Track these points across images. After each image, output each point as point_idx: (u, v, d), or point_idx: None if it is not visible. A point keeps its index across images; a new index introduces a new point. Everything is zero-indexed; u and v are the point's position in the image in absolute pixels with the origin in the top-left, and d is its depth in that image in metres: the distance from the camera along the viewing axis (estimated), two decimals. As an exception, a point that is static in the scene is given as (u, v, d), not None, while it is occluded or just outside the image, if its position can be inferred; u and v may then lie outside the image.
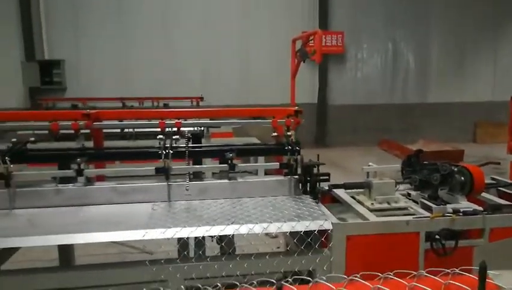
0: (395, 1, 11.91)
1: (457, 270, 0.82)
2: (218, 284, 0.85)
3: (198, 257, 1.84)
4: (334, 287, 0.81)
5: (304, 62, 6.17)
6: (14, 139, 2.11)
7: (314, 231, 1.87)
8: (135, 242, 3.96)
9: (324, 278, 0.86)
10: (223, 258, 1.82)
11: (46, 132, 2.56)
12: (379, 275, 0.84)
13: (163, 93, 9.46)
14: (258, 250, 1.92)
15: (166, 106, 8.92)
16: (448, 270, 0.82)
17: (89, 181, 2.14)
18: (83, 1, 11.19)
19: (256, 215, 1.94)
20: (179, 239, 2.31)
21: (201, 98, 9.26)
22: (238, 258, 1.81)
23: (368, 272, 0.86)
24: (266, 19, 11.71)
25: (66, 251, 2.66)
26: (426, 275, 0.82)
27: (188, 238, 2.16)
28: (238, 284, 0.88)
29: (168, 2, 11.42)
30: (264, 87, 11.65)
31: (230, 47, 11.74)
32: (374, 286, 0.81)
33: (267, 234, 4.32)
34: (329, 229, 1.89)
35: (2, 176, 1.94)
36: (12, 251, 2.00)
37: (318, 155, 2.31)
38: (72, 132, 2.27)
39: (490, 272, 0.85)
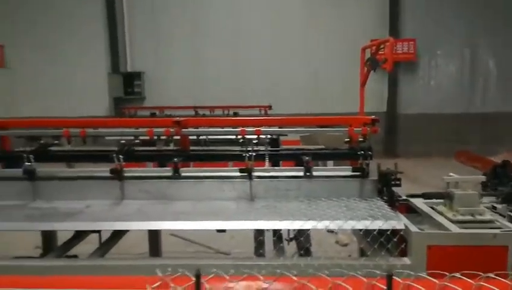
0: (472, 5, 11.33)
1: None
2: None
3: (274, 257, 2.01)
4: (401, 281, 0.90)
5: (374, 71, 6.18)
6: (123, 141, 2.49)
7: (388, 231, 1.97)
8: (212, 243, 4.25)
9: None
10: (298, 258, 1.99)
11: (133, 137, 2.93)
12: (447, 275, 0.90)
13: (232, 102, 9.93)
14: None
15: (236, 114, 9.35)
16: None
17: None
18: (162, 19, 12.13)
19: (332, 214, 2.10)
20: (256, 239, 2.54)
21: (270, 107, 9.56)
22: (314, 262, 1.93)
23: (437, 272, 0.93)
24: (334, 27, 11.77)
25: (154, 242, 3.01)
26: (495, 278, 0.87)
27: (264, 238, 2.40)
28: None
29: (238, 15, 11.96)
30: (331, 96, 11.69)
31: (298, 56, 11.95)
32: (440, 283, 0.88)
33: (337, 242, 4.42)
34: (401, 230, 1.98)
35: (115, 171, 2.31)
36: (121, 234, 2.36)
37: (396, 164, 2.38)
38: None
39: None
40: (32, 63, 12.35)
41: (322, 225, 1.99)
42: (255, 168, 2.40)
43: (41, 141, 2.50)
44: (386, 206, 2.23)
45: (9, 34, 12.30)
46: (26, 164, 2.29)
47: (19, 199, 2.32)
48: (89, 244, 2.36)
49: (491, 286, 0.87)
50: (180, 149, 2.58)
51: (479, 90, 11.54)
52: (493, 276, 0.91)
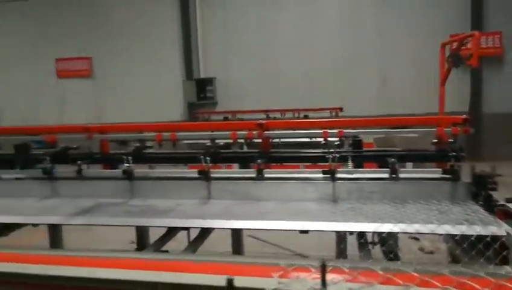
0: None
1: None
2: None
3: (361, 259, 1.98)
4: None
5: (457, 67, 5.81)
6: (209, 144, 2.61)
7: (487, 237, 1.85)
8: (289, 244, 4.28)
9: None
10: (385, 261, 1.94)
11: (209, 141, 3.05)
12: None
13: (302, 105, 9.92)
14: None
15: (306, 116, 9.33)
16: None
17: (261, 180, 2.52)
18: (233, 26, 12.51)
19: (422, 217, 2.01)
20: (339, 242, 2.52)
21: (341, 109, 9.40)
22: (406, 268, 1.91)
23: None
24: (408, 24, 11.27)
25: (237, 241, 3.10)
26: None
27: (346, 242, 2.37)
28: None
29: (309, 18, 11.93)
30: (404, 97, 11.20)
31: (369, 55, 11.63)
32: None
33: (421, 249, 4.20)
34: (502, 237, 1.85)
35: (203, 172, 2.43)
36: (208, 232, 2.47)
37: (494, 166, 2.23)
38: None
39: None
40: (116, 73, 13.40)
41: (412, 228, 1.92)
42: (338, 169, 2.38)
43: (137, 144, 2.71)
44: (483, 210, 2.09)
45: (95, 45, 13.47)
46: (125, 165, 2.50)
47: (118, 197, 2.54)
48: (176, 242, 2.52)
49: None
50: (262, 151, 2.64)
51: None
52: None
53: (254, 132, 2.69)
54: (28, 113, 13.42)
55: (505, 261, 1.84)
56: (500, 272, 1.70)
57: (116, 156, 2.63)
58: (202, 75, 12.98)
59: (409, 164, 3.25)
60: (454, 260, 2.33)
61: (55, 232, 3.16)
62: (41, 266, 1.55)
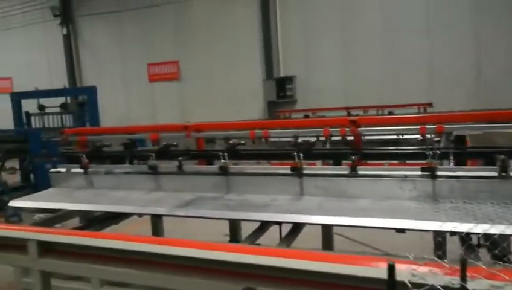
0: None
1: None
2: None
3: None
4: None
5: None
6: (300, 141, 2.65)
7: None
8: (380, 244, 4.16)
9: None
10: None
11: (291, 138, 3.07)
12: None
13: (385, 102, 9.53)
14: None
15: (391, 113, 8.95)
16: None
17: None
18: (312, 26, 12.42)
19: (541, 221, 1.84)
20: (437, 242, 2.39)
21: (430, 104, 8.87)
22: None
23: None
24: (502, 11, 10.25)
25: (328, 237, 3.10)
26: None
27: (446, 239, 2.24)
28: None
29: (389, 11, 11.41)
30: (501, 88, 10.21)
31: (458, 45, 10.77)
32: None
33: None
34: None
35: (296, 168, 2.47)
36: (300, 228, 2.51)
37: None
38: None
39: None
40: (200, 74, 14.09)
41: (528, 231, 1.76)
42: (440, 167, 2.26)
43: (230, 141, 2.84)
44: None
45: (181, 49, 14.30)
46: (222, 161, 2.63)
47: (215, 192, 2.68)
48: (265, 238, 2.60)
49: None
50: (355, 148, 2.61)
51: None
52: None
53: (347, 129, 2.68)
54: (123, 114, 14.70)
55: None
56: None
57: (212, 152, 2.78)
58: (282, 74, 13.09)
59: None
60: None
61: (157, 223, 3.45)
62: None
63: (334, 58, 12.20)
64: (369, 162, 2.80)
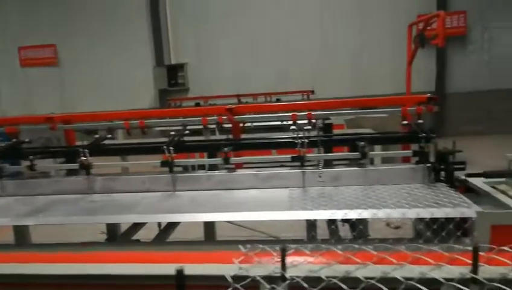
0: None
1: None
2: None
3: (337, 241, 1.95)
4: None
5: (423, 48, 5.85)
6: (172, 133, 2.49)
7: (456, 219, 1.84)
8: (262, 227, 4.28)
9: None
10: (360, 241, 1.91)
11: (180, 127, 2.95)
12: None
13: (275, 89, 9.84)
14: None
15: (278, 100, 9.29)
16: None
17: (231, 169, 2.43)
18: (202, 12, 12.19)
19: (392, 201, 1.98)
20: (309, 224, 2.48)
21: (312, 92, 9.39)
22: (376, 241, 1.88)
23: None
24: (378, 6, 11.30)
25: (210, 229, 3.02)
26: None
27: (315, 222, 2.33)
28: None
29: (277, 4, 11.75)
30: (376, 78, 11.30)
31: (340, 37, 11.61)
32: None
33: (388, 225, 4.30)
34: (472, 218, 1.84)
35: (167, 163, 2.31)
36: (174, 226, 2.37)
37: (454, 142, 2.25)
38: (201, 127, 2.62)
39: None
40: (83, 61, 12.88)
41: (383, 213, 1.88)
42: (308, 155, 2.31)
43: (96, 136, 2.55)
44: (453, 191, 2.08)
45: (61, 34, 12.88)
46: (83, 158, 2.34)
47: (78, 193, 2.39)
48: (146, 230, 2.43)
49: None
50: (230, 138, 2.55)
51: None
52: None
53: (224, 117, 2.60)
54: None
55: (465, 234, 1.86)
56: (458, 246, 1.71)
57: (72, 148, 2.46)
58: (173, 61, 12.65)
59: (378, 147, 3.24)
60: (418, 234, 2.35)
61: (20, 229, 2.98)
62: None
63: (227, 46, 12.18)
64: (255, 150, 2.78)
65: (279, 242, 2.00)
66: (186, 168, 2.50)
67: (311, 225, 2.45)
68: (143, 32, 12.49)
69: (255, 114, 3.02)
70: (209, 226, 2.88)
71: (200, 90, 11.56)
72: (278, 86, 10.28)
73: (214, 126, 2.67)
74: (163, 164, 2.31)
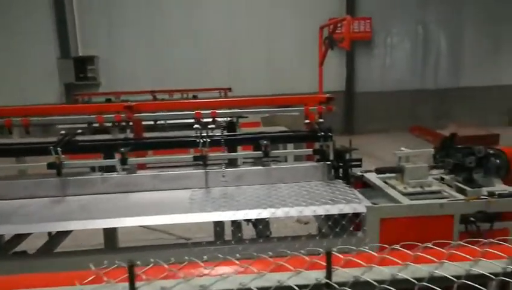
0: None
1: (494, 240, 0.87)
2: (270, 253, 0.93)
3: (237, 240, 1.93)
4: (377, 255, 0.87)
5: (332, 49, 6.15)
6: (63, 132, 2.26)
7: (348, 214, 1.92)
8: (174, 228, 4.14)
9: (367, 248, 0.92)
10: (261, 241, 1.91)
11: (86, 125, 2.73)
12: (419, 245, 0.89)
13: (191, 85, 9.64)
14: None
15: (195, 97, 9.10)
16: (485, 241, 0.87)
17: (131, 170, 2.28)
18: (115, 3, 11.49)
19: (291, 200, 2.01)
20: (216, 224, 2.43)
21: (229, 89, 9.37)
22: (275, 240, 1.89)
23: (409, 243, 0.92)
24: (292, 6, 11.65)
25: (110, 236, 2.82)
26: (464, 245, 0.87)
27: (223, 222, 2.29)
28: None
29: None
30: (290, 77, 11.65)
31: (257, 37, 11.78)
32: (414, 253, 0.86)
33: (298, 221, 4.43)
34: (363, 212, 1.94)
35: (54, 165, 2.09)
36: (66, 234, 2.16)
37: (350, 140, 2.36)
38: (110, 124, 2.43)
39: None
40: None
41: (281, 212, 1.90)
42: (211, 154, 2.25)
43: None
44: (348, 188, 2.17)
45: None
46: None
47: None
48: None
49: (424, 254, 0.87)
50: (127, 138, 2.38)
51: (431, 68, 11.88)
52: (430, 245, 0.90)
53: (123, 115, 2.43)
54: None
55: (359, 228, 1.97)
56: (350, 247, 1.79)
57: None
58: (81, 53, 11.74)
59: (291, 146, 3.31)
60: (319, 229, 2.44)
61: None
62: None
63: (141, 40, 11.62)
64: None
65: (186, 246, 1.92)
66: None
67: (219, 225, 2.40)
68: (45, 20, 11.42)
69: (153, 112, 2.85)
70: (109, 232, 2.68)
71: (114, 86, 10.87)
72: (196, 83, 10.09)
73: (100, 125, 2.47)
74: (50, 166, 2.08)
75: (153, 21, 11.63)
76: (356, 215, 1.95)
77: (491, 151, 2.21)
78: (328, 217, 1.95)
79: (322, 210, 1.91)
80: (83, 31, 11.71)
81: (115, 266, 0.88)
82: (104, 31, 11.65)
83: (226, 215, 1.90)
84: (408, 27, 11.82)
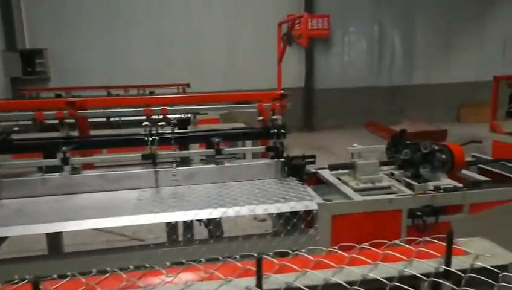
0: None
1: (428, 239, 0.87)
2: (202, 259, 0.88)
3: (187, 241, 1.87)
4: (312, 258, 0.84)
5: (290, 46, 6.17)
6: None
7: (300, 211, 1.91)
8: (124, 229, 3.99)
9: (304, 251, 0.89)
10: (211, 241, 1.85)
11: (30, 122, 2.55)
12: (356, 246, 0.88)
13: (148, 81, 9.36)
14: (245, 233, 1.97)
15: (152, 93, 8.85)
16: (421, 239, 0.87)
17: (76, 170, 2.15)
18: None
19: (243, 199, 1.97)
20: (168, 225, 2.35)
21: (188, 85, 9.19)
22: (226, 241, 1.85)
23: (346, 244, 0.90)
24: (252, 2, 11.61)
25: (54, 240, 2.65)
26: (400, 244, 0.86)
27: (176, 223, 2.21)
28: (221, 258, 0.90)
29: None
30: (250, 73, 11.62)
31: (216, 32, 11.64)
32: (349, 255, 0.85)
33: (255, 218, 4.42)
34: (314, 210, 1.93)
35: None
36: (1, 240, 2.00)
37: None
38: (57, 121, 2.28)
39: (459, 240, 0.90)
40: None
41: (232, 211, 1.86)
42: (161, 153, 2.17)
43: None
44: (300, 185, 2.16)
45: None
46: None
47: None
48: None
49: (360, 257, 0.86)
50: (70, 136, 2.24)
51: (386, 66, 12.26)
52: (367, 246, 0.90)
53: (65, 111, 2.27)
54: None
55: (310, 225, 1.96)
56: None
57: None
58: (28, 46, 11.09)
59: (248, 143, 3.26)
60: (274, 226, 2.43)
61: None
62: None
63: (96, 32, 11.13)
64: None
65: (134, 249, 1.83)
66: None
67: (172, 226, 2.32)
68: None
69: (100, 109, 2.71)
70: (53, 237, 2.53)
71: (66, 81, 10.36)
72: (154, 79, 9.81)
73: (41, 123, 2.31)
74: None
75: (106, 13, 11.18)
76: (308, 212, 1.94)
77: (437, 147, 2.28)
78: (280, 215, 1.93)
79: (273, 208, 1.88)
80: (31, 22, 11.09)
81: (25, 281, 0.79)
82: (54, 21, 11.07)
83: (177, 216, 1.83)
84: (365, 26, 12.13)
